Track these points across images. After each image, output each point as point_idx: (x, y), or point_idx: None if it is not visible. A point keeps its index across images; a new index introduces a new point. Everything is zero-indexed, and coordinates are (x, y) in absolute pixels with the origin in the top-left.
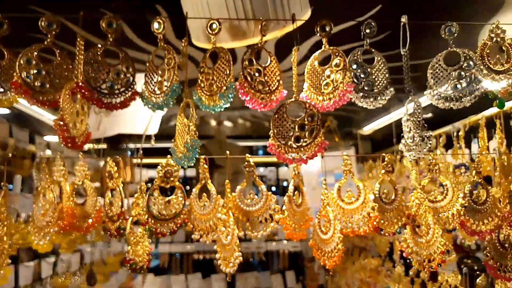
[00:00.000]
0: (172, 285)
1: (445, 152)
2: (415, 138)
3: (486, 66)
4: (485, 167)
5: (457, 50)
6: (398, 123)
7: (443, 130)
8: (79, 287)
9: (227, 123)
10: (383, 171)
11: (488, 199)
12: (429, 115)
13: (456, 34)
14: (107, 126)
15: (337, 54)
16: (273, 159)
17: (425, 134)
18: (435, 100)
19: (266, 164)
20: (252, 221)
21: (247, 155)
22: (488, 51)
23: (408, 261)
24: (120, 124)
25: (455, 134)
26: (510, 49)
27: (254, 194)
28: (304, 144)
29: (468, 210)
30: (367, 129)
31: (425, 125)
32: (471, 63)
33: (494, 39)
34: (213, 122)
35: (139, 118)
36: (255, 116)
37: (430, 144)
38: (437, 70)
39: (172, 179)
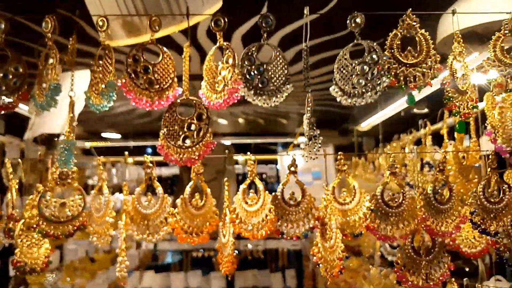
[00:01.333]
0: (171, 283)
1: (417, 150)
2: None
3: (396, 58)
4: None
5: (362, 42)
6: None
7: (437, 127)
8: (55, 283)
9: (221, 121)
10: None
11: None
12: (425, 110)
13: (362, 25)
14: (38, 125)
15: (227, 50)
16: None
17: (312, 133)
18: (338, 96)
19: (266, 162)
20: (153, 224)
21: (249, 155)
22: (398, 42)
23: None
24: (46, 123)
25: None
26: (423, 40)
27: (152, 197)
28: (191, 144)
29: (378, 215)
30: (365, 125)
31: (314, 124)
32: (374, 56)
33: (405, 29)
34: None
35: (61, 118)
36: (244, 113)
37: (319, 144)
38: (342, 64)
39: (69, 180)
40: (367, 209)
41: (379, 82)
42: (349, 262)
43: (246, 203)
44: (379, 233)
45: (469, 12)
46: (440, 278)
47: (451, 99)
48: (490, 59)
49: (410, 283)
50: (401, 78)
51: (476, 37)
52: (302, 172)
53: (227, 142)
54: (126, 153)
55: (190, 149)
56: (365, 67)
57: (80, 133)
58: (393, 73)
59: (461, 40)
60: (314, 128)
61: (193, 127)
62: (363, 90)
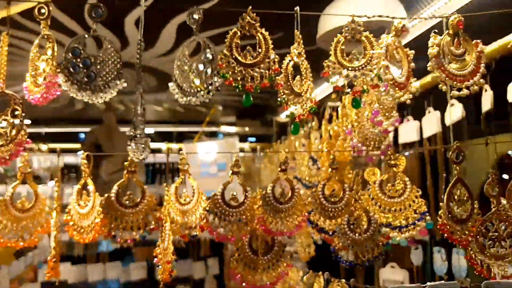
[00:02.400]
0: (88, 274)
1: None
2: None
3: (235, 58)
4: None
5: (199, 40)
6: None
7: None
8: None
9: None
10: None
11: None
12: (338, 103)
13: (200, 21)
14: None
15: (49, 40)
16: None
17: (133, 133)
18: (176, 93)
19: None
20: None
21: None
22: (237, 41)
23: None
24: None
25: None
26: (263, 40)
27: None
28: (4, 143)
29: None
30: (284, 116)
31: (143, 124)
32: (209, 54)
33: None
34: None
35: None
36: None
37: (142, 144)
38: (181, 62)
39: None
40: (203, 210)
41: (211, 82)
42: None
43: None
44: (217, 233)
45: (311, 13)
46: (278, 277)
47: (284, 100)
48: (331, 61)
49: (247, 280)
50: (238, 78)
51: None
52: (207, 164)
53: (149, 130)
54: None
55: (1, 148)
56: (200, 65)
57: None
58: (230, 73)
59: (301, 41)
60: (141, 127)
61: (4, 124)
62: (197, 89)
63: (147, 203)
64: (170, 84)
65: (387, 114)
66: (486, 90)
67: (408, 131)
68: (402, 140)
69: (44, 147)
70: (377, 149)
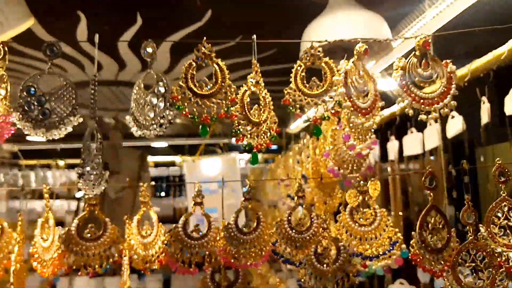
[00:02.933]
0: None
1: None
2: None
3: (191, 89)
4: None
5: (152, 72)
6: None
7: None
8: None
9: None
10: None
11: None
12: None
13: (154, 54)
14: None
15: (1, 80)
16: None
17: (81, 171)
18: (132, 125)
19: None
20: None
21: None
22: (193, 72)
23: None
24: None
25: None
26: (219, 71)
27: None
28: None
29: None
30: (293, 127)
31: (92, 159)
32: (161, 88)
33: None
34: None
35: None
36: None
37: (92, 181)
38: (137, 95)
39: None
40: (161, 243)
41: (163, 115)
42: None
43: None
44: (177, 267)
45: (268, 40)
46: None
47: (239, 131)
48: (291, 89)
49: None
50: (195, 110)
51: (340, 50)
52: (207, 179)
53: (163, 143)
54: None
55: None
56: (153, 99)
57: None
58: (186, 104)
59: (258, 70)
60: (95, 163)
61: None
62: (152, 123)
63: (109, 235)
64: (127, 117)
65: (360, 137)
66: (484, 103)
67: (412, 143)
68: (407, 152)
69: (61, 162)
70: (356, 171)
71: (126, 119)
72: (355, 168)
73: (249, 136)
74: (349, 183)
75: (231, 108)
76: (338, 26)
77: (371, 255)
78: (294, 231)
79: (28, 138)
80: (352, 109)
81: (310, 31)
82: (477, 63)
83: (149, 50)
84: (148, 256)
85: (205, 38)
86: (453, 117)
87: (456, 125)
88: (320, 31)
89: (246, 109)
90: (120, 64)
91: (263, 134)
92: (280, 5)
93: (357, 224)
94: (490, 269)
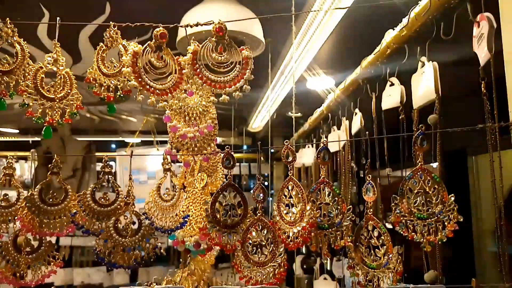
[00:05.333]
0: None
1: None
2: None
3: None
4: None
5: None
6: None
7: None
8: None
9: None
10: None
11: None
12: (299, 114)
13: None
14: None
15: None
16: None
17: None
18: None
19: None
20: None
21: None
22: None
23: None
24: None
25: None
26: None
27: None
28: None
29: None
30: (255, 126)
31: None
32: None
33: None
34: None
35: None
36: (101, 112)
37: None
38: None
39: None
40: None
41: None
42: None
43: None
44: None
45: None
46: (43, 276)
47: (26, 105)
48: (93, 68)
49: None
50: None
51: None
52: (138, 171)
53: None
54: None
55: None
56: None
57: None
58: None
59: (59, 49)
60: None
61: None
62: None
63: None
64: None
65: (188, 119)
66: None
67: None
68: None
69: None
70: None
71: None
72: (195, 150)
73: (39, 110)
74: (188, 165)
75: (22, 83)
76: (212, 15)
77: (167, 229)
78: (96, 204)
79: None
80: (141, 88)
81: (186, 20)
82: None
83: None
84: None
85: (8, 18)
86: (392, 84)
87: (394, 96)
88: (194, 19)
89: (39, 85)
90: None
91: (58, 110)
92: None
93: (161, 199)
94: (272, 245)
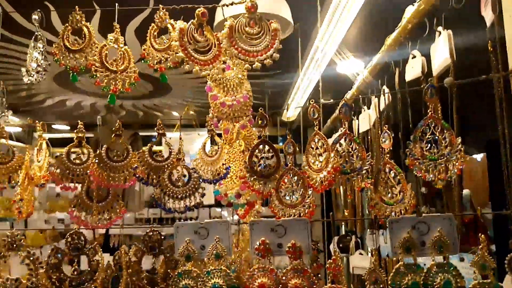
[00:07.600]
0: None
1: None
2: None
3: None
4: None
5: (37, 33)
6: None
7: None
8: None
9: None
10: None
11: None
12: (331, 100)
13: (40, 21)
14: None
15: None
16: None
17: None
18: (23, 76)
19: None
20: None
21: None
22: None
23: None
24: None
25: None
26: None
27: None
28: None
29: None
30: (290, 115)
31: None
32: (40, 44)
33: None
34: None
35: None
36: (146, 106)
37: None
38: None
39: None
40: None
41: (40, 64)
42: None
43: None
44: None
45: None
46: (111, 220)
47: (95, 76)
48: (147, 45)
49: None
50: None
51: None
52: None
53: None
54: None
55: None
56: (35, 53)
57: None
58: (62, 58)
59: (118, 30)
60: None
61: None
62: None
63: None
64: (22, 69)
65: (227, 89)
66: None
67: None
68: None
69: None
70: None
71: (22, 71)
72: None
73: (105, 81)
74: (227, 131)
75: (90, 58)
76: None
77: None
78: (154, 161)
79: (54, 126)
80: (187, 58)
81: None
82: None
83: (35, 17)
84: None
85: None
86: (414, 56)
87: (416, 67)
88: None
89: (104, 60)
90: None
91: (121, 80)
92: None
93: (206, 155)
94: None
